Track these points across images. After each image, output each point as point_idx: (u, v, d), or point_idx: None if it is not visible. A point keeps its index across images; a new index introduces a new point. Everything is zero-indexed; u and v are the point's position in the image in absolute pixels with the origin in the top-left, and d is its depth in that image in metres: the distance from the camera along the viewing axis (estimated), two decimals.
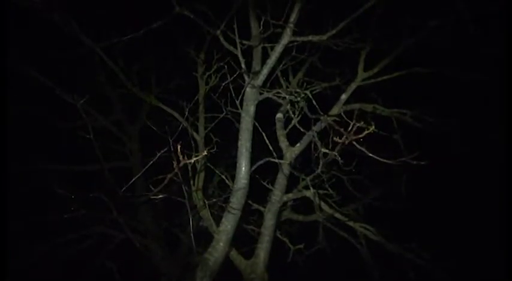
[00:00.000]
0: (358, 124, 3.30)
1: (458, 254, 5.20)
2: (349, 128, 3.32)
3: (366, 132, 3.25)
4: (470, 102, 5.22)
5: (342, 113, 4.71)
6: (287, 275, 5.56)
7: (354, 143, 3.35)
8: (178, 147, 3.37)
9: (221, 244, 4.26)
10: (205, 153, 3.41)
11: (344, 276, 5.84)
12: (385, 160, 3.55)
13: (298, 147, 4.71)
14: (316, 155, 4.09)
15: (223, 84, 4.77)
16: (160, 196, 3.58)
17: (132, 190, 5.32)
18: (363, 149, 3.46)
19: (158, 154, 3.78)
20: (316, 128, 4.51)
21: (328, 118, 4.39)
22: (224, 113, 4.88)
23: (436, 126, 4.83)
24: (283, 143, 4.81)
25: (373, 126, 3.24)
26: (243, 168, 4.41)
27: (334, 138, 3.43)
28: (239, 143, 4.48)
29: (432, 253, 4.74)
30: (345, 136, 3.35)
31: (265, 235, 4.60)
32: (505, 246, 5.21)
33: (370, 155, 3.51)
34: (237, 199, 4.37)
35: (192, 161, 3.47)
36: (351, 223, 4.85)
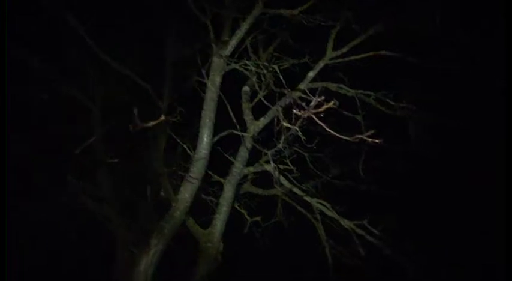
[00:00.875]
0: (319, 99, 3.32)
1: (412, 234, 5.40)
2: (311, 103, 3.34)
3: (326, 106, 3.27)
4: (438, 88, 5.32)
5: (307, 90, 4.73)
6: (243, 246, 5.66)
7: (313, 117, 3.38)
8: (136, 111, 3.32)
9: (178, 212, 4.28)
10: (163, 118, 3.37)
11: (299, 248, 6.01)
12: (342, 136, 3.59)
13: (263, 121, 4.73)
14: (278, 129, 4.12)
15: (191, 52, 4.69)
16: (116, 160, 3.54)
17: (92, 155, 5.20)
18: (322, 124, 3.49)
19: (116, 118, 3.72)
20: (281, 103, 4.52)
21: (293, 93, 4.40)
22: (190, 82, 4.81)
23: (397, 109, 4.92)
24: (248, 116, 4.82)
25: (333, 102, 3.27)
26: (205, 138, 4.40)
27: (295, 111, 3.44)
28: (203, 113, 4.45)
29: (386, 231, 4.92)
30: (306, 110, 3.37)
31: (223, 206, 4.66)
32: (457, 221, 5.48)
33: (329, 131, 3.55)
34: (197, 169, 4.38)
35: (150, 125, 3.43)
36: (308, 198, 4.97)
